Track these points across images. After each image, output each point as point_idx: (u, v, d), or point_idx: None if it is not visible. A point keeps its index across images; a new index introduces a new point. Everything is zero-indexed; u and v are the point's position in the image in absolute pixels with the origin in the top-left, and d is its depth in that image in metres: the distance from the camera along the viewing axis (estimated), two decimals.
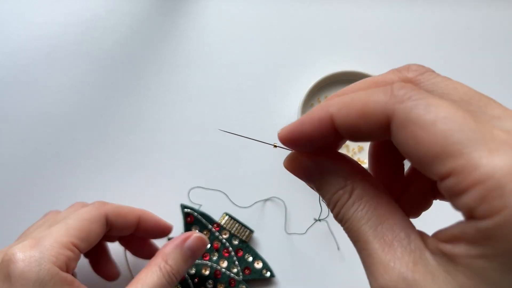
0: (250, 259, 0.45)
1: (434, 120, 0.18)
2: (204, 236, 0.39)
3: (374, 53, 0.63)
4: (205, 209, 0.52)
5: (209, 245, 0.46)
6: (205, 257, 0.46)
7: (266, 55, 0.62)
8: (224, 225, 0.45)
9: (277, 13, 0.65)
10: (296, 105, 0.57)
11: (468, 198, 0.17)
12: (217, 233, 0.46)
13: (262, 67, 0.62)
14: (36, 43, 0.62)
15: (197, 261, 0.45)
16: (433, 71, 0.23)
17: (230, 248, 0.45)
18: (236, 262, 0.45)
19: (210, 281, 0.45)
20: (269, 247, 0.51)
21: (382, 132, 0.20)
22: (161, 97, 0.60)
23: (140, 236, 0.44)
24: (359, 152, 0.56)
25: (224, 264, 0.45)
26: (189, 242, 0.38)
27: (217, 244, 0.46)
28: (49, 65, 0.61)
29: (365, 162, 0.56)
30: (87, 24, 0.63)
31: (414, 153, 0.18)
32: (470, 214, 0.18)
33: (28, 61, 0.61)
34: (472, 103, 0.21)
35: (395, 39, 0.64)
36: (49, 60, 0.61)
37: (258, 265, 0.45)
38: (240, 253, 0.45)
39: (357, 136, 0.21)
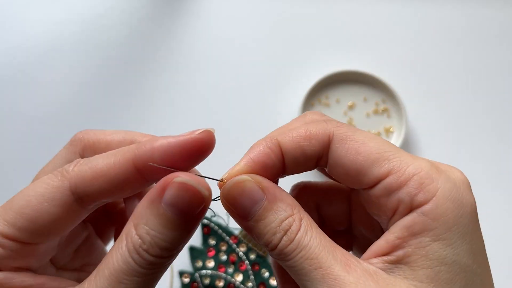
0: (267, 274, 0.44)
1: (367, 139, 0.23)
2: (192, 176, 0.22)
3: (374, 53, 0.63)
4: (220, 218, 0.51)
5: (225, 257, 0.44)
6: (221, 268, 0.44)
7: (266, 55, 0.62)
8: (242, 238, 0.44)
9: (278, 14, 0.64)
10: (296, 105, 0.57)
11: (408, 188, 0.22)
12: (234, 246, 0.44)
13: (262, 67, 0.61)
14: (35, 41, 0.62)
15: (211, 272, 0.44)
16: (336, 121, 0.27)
17: (247, 262, 0.44)
18: (252, 277, 0.44)
19: None
20: None
21: (322, 151, 0.24)
22: (160, 96, 0.60)
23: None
24: None
25: (239, 277, 0.44)
26: (168, 194, 0.22)
27: (233, 257, 0.44)
28: (47, 63, 0.61)
29: None
30: (86, 23, 0.63)
31: (354, 162, 0.23)
32: (410, 203, 0.22)
33: (27, 59, 0.61)
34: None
35: (395, 39, 0.63)
36: (48, 58, 0.61)
37: (274, 281, 0.44)
38: (257, 268, 0.44)
39: (301, 159, 0.24)
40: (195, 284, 0.43)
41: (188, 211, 0.22)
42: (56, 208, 0.23)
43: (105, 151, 0.25)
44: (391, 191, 0.22)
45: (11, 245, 0.23)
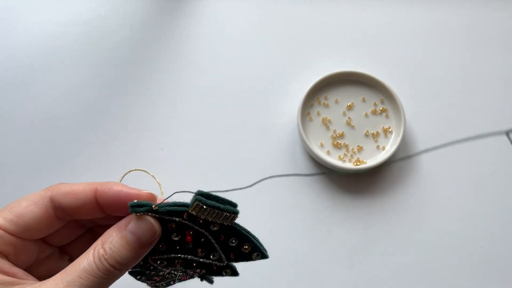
0: (235, 243, 0.36)
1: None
2: (151, 219, 0.32)
3: (373, 54, 0.63)
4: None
5: (176, 238, 0.35)
6: (179, 251, 0.36)
7: (266, 55, 0.62)
8: (196, 214, 0.33)
9: (277, 14, 0.65)
10: (296, 105, 0.57)
11: None
12: (187, 222, 0.35)
13: (262, 67, 0.62)
14: (37, 43, 0.62)
15: (167, 256, 0.36)
16: None
17: (209, 236, 0.35)
18: (218, 248, 0.36)
19: (188, 270, 0.37)
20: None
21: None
22: (161, 97, 0.60)
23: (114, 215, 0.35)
24: (358, 152, 0.57)
25: (202, 252, 0.36)
26: (131, 225, 0.31)
27: (190, 236, 0.35)
28: (49, 64, 0.61)
29: (365, 162, 0.56)
30: (88, 24, 0.63)
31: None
32: None
33: (28, 61, 0.61)
34: None
35: (395, 39, 0.64)
36: (49, 60, 0.61)
37: (246, 250, 0.36)
38: (222, 238, 0.35)
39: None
40: (151, 268, 0.36)
41: (146, 239, 0.32)
42: (38, 209, 0.32)
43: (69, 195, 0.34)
44: None
45: (2, 234, 0.31)
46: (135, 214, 0.31)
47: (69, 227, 0.36)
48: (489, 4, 0.65)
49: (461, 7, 0.65)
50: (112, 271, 0.30)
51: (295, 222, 0.55)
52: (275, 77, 0.61)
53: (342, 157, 0.56)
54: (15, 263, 0.32)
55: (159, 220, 0.33)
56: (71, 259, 0.37)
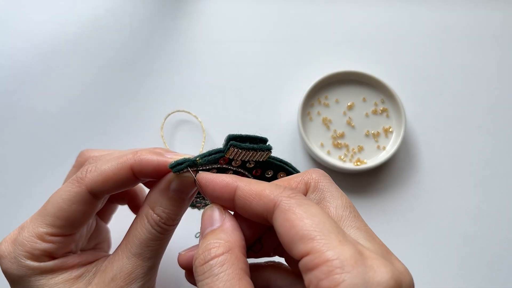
0: (271, 174, 0.36)
1: (306, 214, 0.25)
2: (189, 173, 0.32)
3: (374, 54, 0.63)
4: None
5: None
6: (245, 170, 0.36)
7: (266, 55, 0.62)
8: (232, 157, 0.34)
9: (277, 13, 0.65)
10: (296, 105, 0.57)
11: (318, 272, 0.23)
12: (225, 166, 0.35)
13: (262, 67, 0.62)
14: (36, 42, 0.62)
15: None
16: (330, 178, 0.31)
17: (246, 173, 0.36)
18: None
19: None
20: None
21: (265, 213, 0.27)
22: (161, 96, 0.60)
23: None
24: (358, 152, 0.56)
25: None
26: (174, 184, 0.32)
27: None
28: (49, 64, 0.61)
29: (365, 162, 0.56)
30: (87, 24, 0.63)
31: (286, 234, 0.25)
32: (316, 287, 0.23)
33: (28, 61, 0.61)
34: (343, 212, 0.29)
35: (395, 39, 0.64)
36: (49, 60, 0.61)
37: (282, 176, 0.36)
38: (259, 173, 0.36)
39: (248, 210, 0.29)
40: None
41: (187, 193, 0.33)
42: (81, 206, 0.33)
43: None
44: (306, 270, 0.24)
45: (57, 240, 0.33)
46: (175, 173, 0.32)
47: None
48: (489, 4, 0.65)
49: (461, 7, 0.65)
50: (170, 229, 0.33)
51: None
52: (275, 77, 0.61)
53: (342, 157, 0.56)
54: (74, 251, 0.35)
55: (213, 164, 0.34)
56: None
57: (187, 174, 0.32)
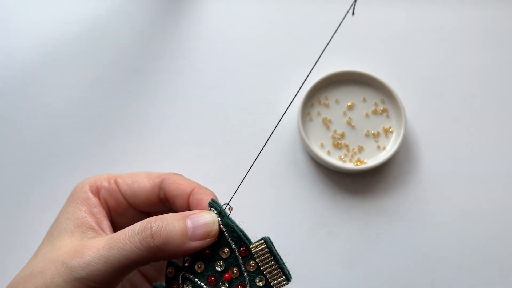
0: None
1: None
2: (215, 217, 0.32)
3: (374, 54, 0.63)
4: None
5: (220, 269, 0.32)
6: (211, 283, 0.32)
7: (266, 56, 0.62)
8: (255, 255, 0.31)
9: (277, 13, 0.65)
10: (296, 105, 0.57)
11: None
12: (240, 260, 0.32)
13: (262, 68, 0.62)
14: (37, 43, 0.62)
15: (198, 282, 0.33)
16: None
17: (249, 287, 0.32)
18: None
19: None
20: None
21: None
22: (161, 97, 0.60)
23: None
24: (359, 152, 0.56)
25: None
26: (194, 215, 0.32)
27: (230, 273, 0.32)
28: (49, 64, 0.61)
29: (365, 162, 0.56)
30: (87, 23, 0.63)
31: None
32: None
33: (28, 61, 0.61)
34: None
35: (395, 39, 0.64)
36: (49, 60, 0.61)
37: None
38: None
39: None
40: (175, 286, 0.33)
41: (197, 230, 0.31)
42: (149, 184, 0.37)
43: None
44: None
45: (114, 189, 0.37)
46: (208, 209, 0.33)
47: (165, 211, 0.36)
48: (489, 4, 0.65)
49: (461, 7, 0.65)
50: (153, 247, 0.30)
51: (295, 222, 0.55)
52: (275, 77, 0.61)
53: (342, 157, 0.56)
54: (112, 222, 0.36)
55: (218, 236, 0.32)
56: None
57: (213, 215, 0.32)
